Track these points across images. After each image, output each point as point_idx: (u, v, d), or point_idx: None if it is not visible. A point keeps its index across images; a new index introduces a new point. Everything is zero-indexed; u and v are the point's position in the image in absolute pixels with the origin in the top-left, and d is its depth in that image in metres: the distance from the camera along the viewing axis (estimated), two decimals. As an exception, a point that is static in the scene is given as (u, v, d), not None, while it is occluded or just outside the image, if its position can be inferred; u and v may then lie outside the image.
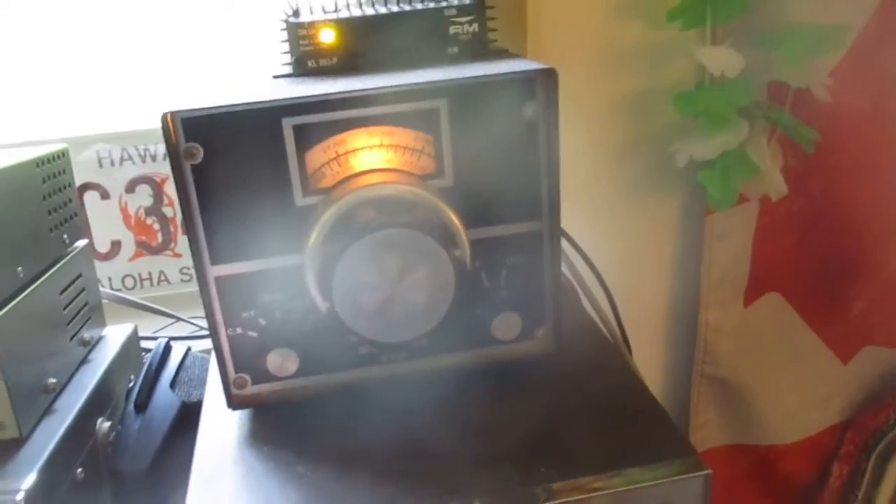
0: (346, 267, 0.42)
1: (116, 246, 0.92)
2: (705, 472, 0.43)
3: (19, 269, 0.52)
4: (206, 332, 0.75)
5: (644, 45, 0.78)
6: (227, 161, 0.44)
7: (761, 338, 0.95)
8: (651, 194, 0.86)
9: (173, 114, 0.43)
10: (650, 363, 0.96)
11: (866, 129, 0.83)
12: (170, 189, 0.92)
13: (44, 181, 0.58)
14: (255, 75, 0.51)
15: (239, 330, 0.47)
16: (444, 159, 0.46)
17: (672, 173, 0.82)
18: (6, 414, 0.48)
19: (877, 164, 0.85)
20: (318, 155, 0.45)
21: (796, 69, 0.77)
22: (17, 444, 0.49)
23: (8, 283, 0.50)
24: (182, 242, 0.94)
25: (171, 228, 0.93)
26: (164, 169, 0.91)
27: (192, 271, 0.94)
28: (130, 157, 0.90)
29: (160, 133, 0.78)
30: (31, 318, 0.52)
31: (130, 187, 0.91)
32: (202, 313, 0.74)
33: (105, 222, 0.91)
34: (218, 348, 0.47)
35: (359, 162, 0.45)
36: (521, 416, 0.47)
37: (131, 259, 0.93)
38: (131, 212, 0.92)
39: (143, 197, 0.92)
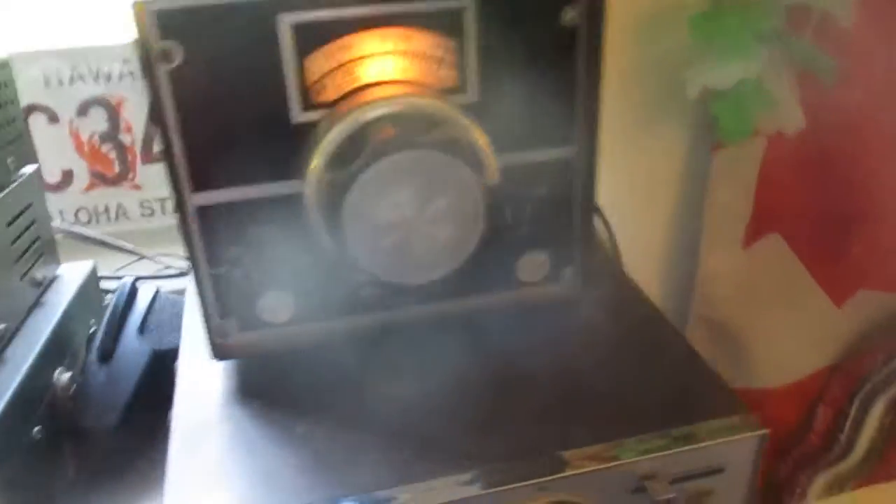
0: (358, 195, 0.35)
1: (68, 176, 0.83)
2: (762, 431, 0.38)
3: (-44, 196, 0.44)
4: (176, 271, 0.68)
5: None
6: (210, 66, 0.36)
7: (759, 280, 0.92)
8: (657, 125, 0.81)
9: (144, 3, 0.35)
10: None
11: (889, 61, 0.78)
12: (128, 113, 0.83)
13: (-18, 95, 0.50)
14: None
15: (224, 269, 0.40)
16: (468, 70, 0.39)
17: (681, 104, 0.76)
18: (-53, 366, 0.41)
19: (891, 104, 0.81)
20: (319, 61, 0.38)
21: (820, -8, 0.71)
22: (-40, 400, 0.42)
23: (-58, 211, 0.42)
24: (143, 173, 0.85)
25: (130, 157, 0.85)
26: (121, 90, 0.82)
27: (155, 205, 0.86)
28: (82, 77, 0.80)
29: (115, 50, 0.69)
30: (-29, 254, 0.45)
31: (83, 110, 0.81)
32: (169, 250, 0.67)
33: (54, 149, 0.81)
34: (200, 290, 0.40)
35: (367, 72, 0.38)
36: (548, 367, 0.42)
37: (85, 190, 0.84)
38: (84, 138, 0.82)
39: (98, 121, 0.82)
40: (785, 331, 0.96)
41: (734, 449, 0.38)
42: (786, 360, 0.99)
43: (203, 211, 0.39)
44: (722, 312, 0.91)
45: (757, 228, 0.89)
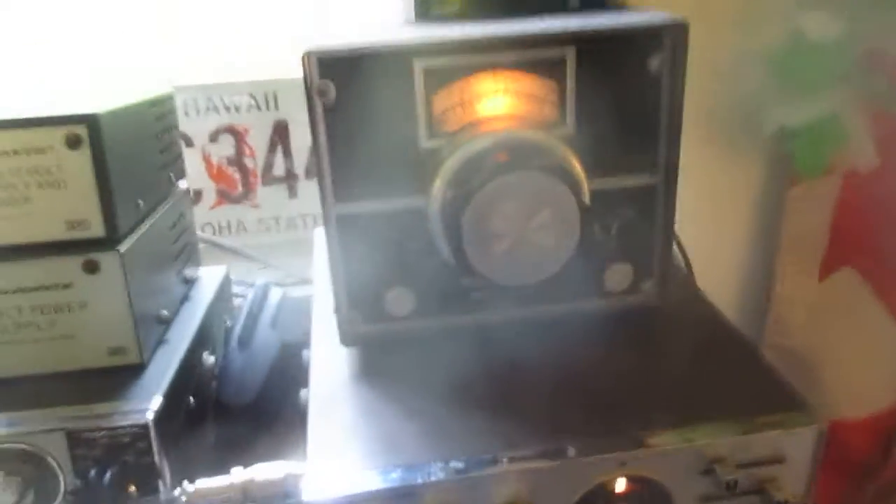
0: (476, 209, 0.42)
1: (198, 194, 0.94)
2: (820, 425, 0.43)
3: (140, 201, 0.54)
4: (295, 280, 0.77)
5: (740, 4, 0.77)
6: (357, 100, 0.45)
7: (833, 311, 0.95)
8: (734, 159, 0.86)
9: (310, 53, 0.43)
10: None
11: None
12: (251, 140, 0.93)
13: (156, 119, 0.60)
14: (379, 20, 0.52)
15: (357, 267, 0.48)
16: (567, 108, 0.46)
17: (758, 139, 0.82)
18: (130, 340, 0.50)
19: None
20: (444, 98, 0.45)
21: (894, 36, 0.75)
22: (138, 369, 0.51)
23: (132, 214, 0.52)
24: (261, 194, 0.95)
25: (251, 179, 0.95)
26: (246, 120, 0.93)
27: (270, 222, 0.96)
28: (215, 108, 0.92)
29: (243, 85, 0.81)
30: (148, 251, 0.54)
31: (214, 137, 0.92)
32: (284, 262, 0.76)
33: (189, 170, 0.92)
34: (335, 284, 0.48)
35: (483, 107, 0.46)
36: (630, 364, 0.48)
37: (212, 207, 0.95)
38: (214, 161, 0.93)
39: (226, 147, 0.93)
40: (859, 363, 0.98)
41: (794, 440, 0.43)
42: (860, 391, 1.00)
43: (342, 219, 0.47)
44: (795, 340, 0.94)
45: (832, 261, 0.92)
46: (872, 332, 0.97)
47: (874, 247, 0.92)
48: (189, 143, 0.92)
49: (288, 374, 0.60)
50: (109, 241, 0.48)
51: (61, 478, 0.46)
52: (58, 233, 0.48)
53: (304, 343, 0.57)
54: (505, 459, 0.41)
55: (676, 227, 0.69)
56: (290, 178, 0.96)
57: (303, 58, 0.43)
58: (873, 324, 0.97)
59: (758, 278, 0.94)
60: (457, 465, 0.40)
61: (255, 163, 0.94)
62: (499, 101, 0.46)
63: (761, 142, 0.83)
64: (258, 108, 0.93)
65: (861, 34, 0.76)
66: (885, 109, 0.78)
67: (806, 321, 0.94)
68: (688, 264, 0.71)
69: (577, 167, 0.45)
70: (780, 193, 0.88)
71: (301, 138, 0.94)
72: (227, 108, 0.92)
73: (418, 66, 0.44)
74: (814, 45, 0.74)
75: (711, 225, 0.88)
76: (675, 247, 0.71)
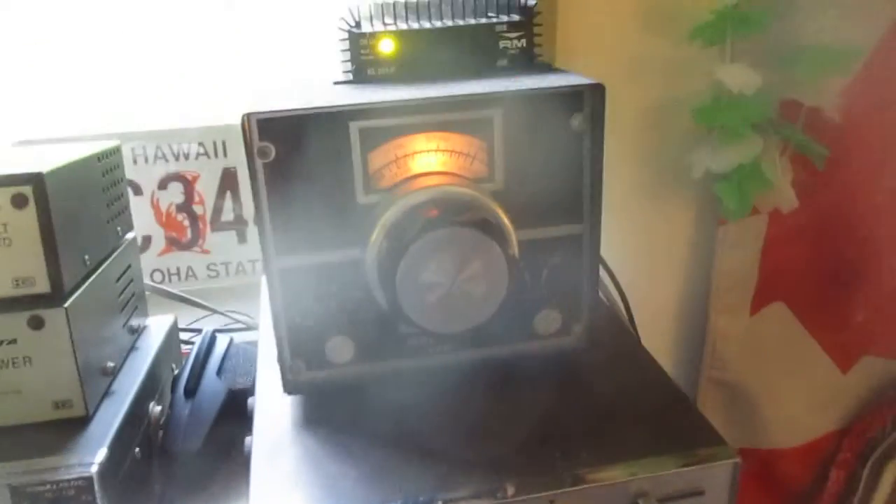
0: (409, 262, 0.45)
1: (147, 241, 0.95)
2: (734, 460, 0.46)
3: (86, 256, 0.55)
4: (242, 325, 0.78)
5: (667, 60, 0.82)
6: (296, 159, 0.47)
7: (766, 345, 0.99)
8: (666, 201, 0.90)
9: (250, 115, 0.46)
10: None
11: (874, 147, 0.87)
12: (200, 187, 0.95)
13: (103, 175, 0.61)
14: (315, 79, 0.55)
15: (298, 318, 0.50)
16: (496, 164, 0.49)
17: (687, 182, 0.86)
18: (75, 393, 0.51)
19: (882, 181, 0.89)
20: (379, 157, 0.48)
21: (809, 88, 0.81)
22: (83, 421, 0.52)
23: (78, 269, 0.53)
24: (210, 240, 0.97)
25: (200, 226, 0.96)
26: (195, 167, 0.94)
27: (220, 268, 0.97)
28: (164, 156, 0.93)
29: (192, 132, 0.83)
30: (94, 304, 0.55)
31: (163, 184, 0.94)
32: (233, 307, 0.77)
33: (137, 217, 0.93)
34: (278, 334, 0.50)
35: (417, 164, 0.49)
36: (560, 404, 0.51)
37: (160, 254, 0.96)
38: (163, 208, 0.94)
39: (175, 194, 0.94)
40: (793, 394, 1.03)
41: (712, 474, 0.46)
42: (795, 422, 1.05)
43: (284, 272, 0.49)
44: (731, 374, 0.98)
45: (762, 296, 0.97)
46: (804, 364, 1.02)
47: (800, 282, 0.97)
48: (138, 191, 0.93)
49: (234, 422, 0.61)
50: (55, 298, 0.50)
51: (5, 532, 0.47)
52: (4, 290, 0.49)
53: (251, 390, 0.58)
54: (440, 501, 0.43)
55: (613, 266, 0.73)
56: (239, 223, 0.97)
57: (243, 119, 0.46)
58: (804, 355, 1.01)
59: (694, 314, 0.98)
60: (394, 506, 0.42)
61: (204, 209, 0.96)
62: (431, 159, 0.49)
63: (692, 184, 0.87)
64: (207, 155, 0.95)
65: (778, 86, 0.81)
66: (801, 154, 0.84)
67: (740, 354, 0.98)
68: (625, 303, 0.74)
69: (506, 220, 0.48)
70: (712, 232, 0.92)
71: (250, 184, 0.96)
72: (176, 156, 0.94)
73: (354, 127, 0.47)
74: (734, 96, 0.79)
75: (648, 265, 0.92)
76: (613, 288, 0.75)
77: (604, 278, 0.70)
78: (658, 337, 0.97)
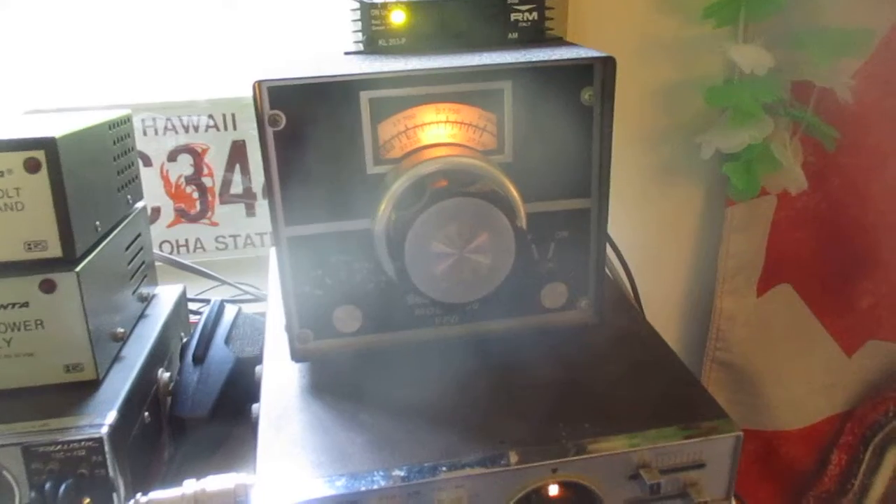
0: (418, 231, 0.45)
1: (156, 212, 0.96)
2: (736, 433, 0.46)
3: (97, 223, 0.55)
4: (250, 297, 0.79)
5: (678, 40, 0.82)
6: (306, 129, 0.47)
7: (771, 327, 0.99)
8: (675, 182, 0.90)
9: (261, 82, 0.46)
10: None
11: (884, 131, 0.86)
12: (210, 159, 0.95)
13: (114, 143, 0.62)
14: (326, 50, 0.55)
15: (307, 287, 0.51)
16: (505, 137, 0.49)
17: (696, 163, 0.86)
18: (86, 357, 0.52)
19: (892, 165, 0.89)
20: (389, 127, 0.48)
21: (821, 69, 0.80)
22: (94, 385, 0.53)
23: (89, 235, 0.54)
24: (219, 212, 0.97)
25: (209, 198, 0.97)
26: (205, 140, 0.95)
27: (228, 240, 0.98)
28: (174, 127, 0.93)
29: (202, 105, 0.83)
30: (104, 271, 0.56)
31: (172, 156, 0.94)
32: (241, 279, 0.78)
33: (147, 189, 0.94)
34: (286, 303, 0.51)
35: (426, 135, 0.49)
36: (565, 377, 0.51)
37: (169, 225, 0.97)
38: (172, 180, 0.95)
39: (184, 166, 0.95)
40: (797, 376, 1.03)
41: (713, 447, 0.46)
42: (799, 404, 1.05)
43: (293, 241, 0.50)
44: (736, 355, 0.99)
45: (769, 278, 0.97)
46: (809, 346, 1.02)
47: (807, 264, 0.97)
48: (147, 163, 0.94)
49: (242, 390, 0.61)
50: (66, 262, 0.50)
51: (17, 491, 0.47)
52: (16, 253, 0.49)
53: (258, 359, 0.59)
54: (444, 467, 0.43)
55: (621, 246, 0.73)
56: (247, 196, 0.98)
57: (254, 87, 0.46)
58: (809, 337, 1.02)
59: (700, 295, 0.98)
60: (399, 472, 0.43)
61: (213, 182, 0.96)
62: (441, 130, 0.49)
63: (701, 165, 0.87)
64: (216, 128, 0.95)
65: (790, 67, 0.80)
66: (811, 137, 0.83)
67: (745, 336, 0.98)
68: (631, 280, 0.75)
69: (514, 192, 0.48)
70: (720, 213, 0.92)
71: (259, 158, 0.96)
72: (186, 128, 0.94)
73: (364, 97, 0.47)
74: (746, 76, 0.79)
75: (655, 244, 0.92)
76: (619, 266, 0.75)
77: (610, 255, 0.71)
78: (663, 316, 0.97)
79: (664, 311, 0.98)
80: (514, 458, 0.44)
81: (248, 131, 0.95)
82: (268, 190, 0.48)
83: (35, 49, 0.89)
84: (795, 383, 1.03)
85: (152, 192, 0.94)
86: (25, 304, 0.50)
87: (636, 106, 0.85)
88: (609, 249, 0.70)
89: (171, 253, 0.96)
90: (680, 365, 0.53)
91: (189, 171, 0.95)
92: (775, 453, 1.07)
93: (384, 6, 0.52)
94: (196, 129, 0.94)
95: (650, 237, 0.89)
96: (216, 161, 0.96)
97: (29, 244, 0.49)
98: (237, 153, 0.96)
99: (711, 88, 0.81)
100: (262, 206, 0.98)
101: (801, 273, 0.98)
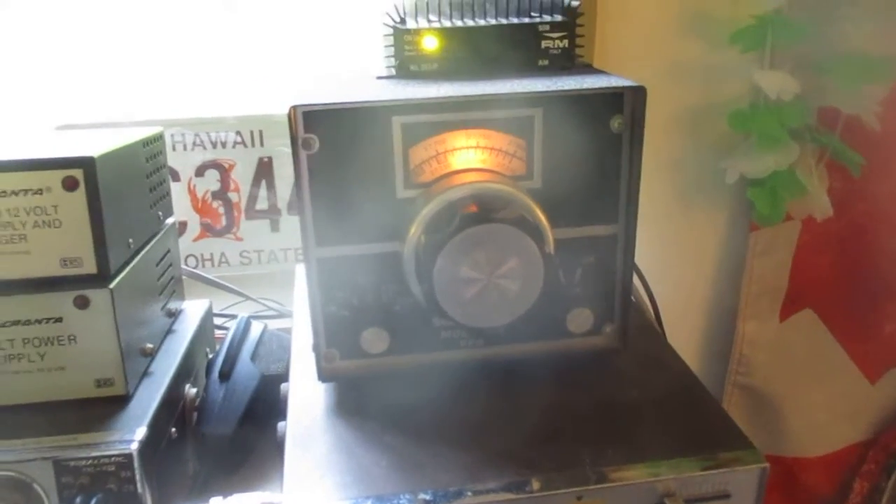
0: (446, 256, 0.45)
1: (182, 226, 0.97)
2: (763, 465, 0.46)
3: (130, 240, 0.56)
4: (275, 313, 0.80)
5: (704, 65, 0.82)
6: (339, 152, 0.48)
7: (794, 352, 0.99)
8: (699, 206, 0.90)
9: (296, 107, 0.47)
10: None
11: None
12: (236, 175, 0.96)
13: (147, 160, 0.63)
14: (359, 74, 0.55)
15: (334, 308, 0.51)
16: (534, 163, 0.50)
17: (720, 187, 0.86)
18: (117, 372, 0.53)
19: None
20: (420, 152, 0.49)
21: (848, 96, 0.80)
22: (123, 400, 0.53)
23: (122, 251, 0.55)
24: (244, 227, 0.98)
25: (235, 213, 0.98)
26: (232, 155, 0.96)
27: (252, 255, 0.99)
28: (202, 143, 0.95)
29: (230, 121, 0.85)
30: (136, 287, 0.57)
31: (200, 171, 0.95)
32: (265, 295, 0.78)
33: (174, 203, 0.95)
34: (314, 323, 0.51)
35: (456, 160, 0.49)
36: (590, 403, 0.51)
37: (195, 240, 0.98)
38: (199, 195, 0.96)
39: (211, 181, 0.96)
40: (819, 403, 1.02)
41: (739, 478, 0.46)
42: (820, 431, 1.04)
43: (322, 262, 0.50)
44: (758, 380, 0.98)
45: (792, 303, 0.96)
46: (832, 373, 1.01)
47: (830, 290, 0.96)
48: (175, 178, 0.95)
49: (267, 407, 0.62)
50: (100, 278, 0.51)
51: (47, 504, 0.48)
52: (52, 269, 0.50)
53: (283, 376, 0.60)
54: (469, 492, 0.43)
55: (644, 270, 0.73)
56: (272, 212, 0.99)
57: (289, 112, 0.47)
58: (832, 364, 1.01)
59: (723, 319, 0.98)
60: (424, 496, 0.43)
61: (239, 197, 0.97)
62: (471, 156, 0.49)
63: (725, 189, 0.87)
64: (244, 144, 0.96)
65: (816, 93, 0.80)
66: (836, 162, 0.83)
67: (767, 361, 0.97)
68: (654, 306, 0.75)
69: (543, 218, 0.48)
70: (743, 237, 0.92)
71: (285, 174, 0.97)
72: (214, 144, 0.95)
73: (397, 122, 0.48)
74: (772, 102, 0.79)
75: (678, 268, 0.92)
76: (642, 290, 0.75)
77: (634, 280, 0.71)
78: (685, 340, 0.97)
79: (686, 335, 0.98)
80: (537, 484, 0.44)
81: (275, 148, 0.96)
82: (300, 211, 0.49)
83: (65, 63, 0.91)
84: (817, 410, 1.02)
85: (179, 206, 0.95)
86: (59, 320, 0.51)
87: (661, 130, 0.85)
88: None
89: (196, 267, 0.97)
90: (705, 393, 0.53)
91: (216, 186, 0.96)
92: (796, 480, 1.06)
93: (417, 31, 0.53)
94: (224, 145, 0.95)
95: (674, 261, 0.89)
96: (243, 177, 0.97)
97: (65, 260, 0.50)
98: (263, 169, 0.97)
99: (735, 113, 0.82)
100: (286, 221, 0.99)
101: (825, 299, 0.97)
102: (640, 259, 0.71)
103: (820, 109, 0.83)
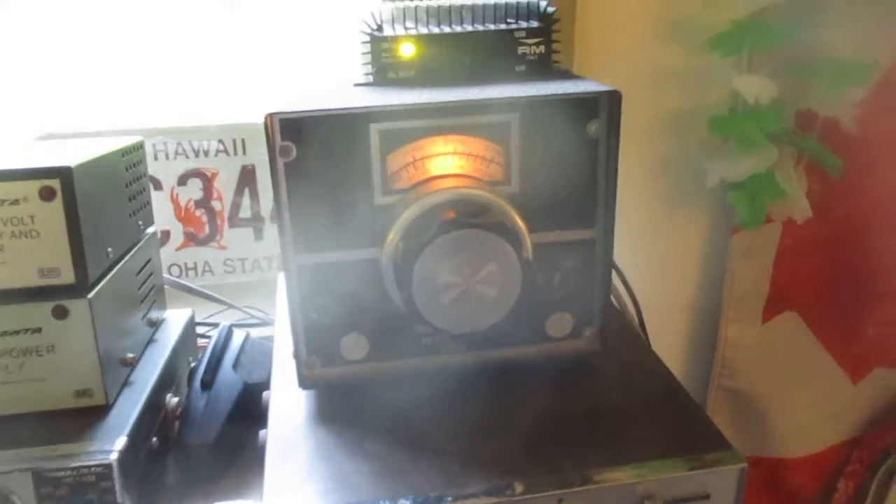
0: (425, 262, 0.46)
1: (165, 235, 0.96)
2: (742, 465, 0.47)
3: (109, 249, 0.56)
4: (258, 321, 0.79)
5: (682, 70, 0.83)
6: (316, 160, 0.48)
7: (777, 354, 0.99)
8: (680, 209, 0.91)
9: (273, 115, 0.47)
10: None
11: (888, 159, 0.87)
12: (219, 184, 0.96)
13: (126, 169, 0.63)
14: (337, 82, 0.56)
15: (315, 315, 0.51)
16: (512, 168, 0.50)
17: (701, 191, 0.86)
18: (96, 382, 0.52)
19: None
20: (398, 158, 0.49)
21: (826, 98, 0.81)
22: (103, 410, 0.53)
23: (101, 261, 0.54)
24: (228, 235, 0.98)
25: (218, 222, 0.98)
26: (214, 164, 0.96)
27: (236, 263, 0.99)
28: (184, 152, 0.94)
29: (212, 130, 0.85)
30: (115, 296, 0.57)
31: (182, 180, 0.95)
32: (249, 302, 0.78)
33: (157, 212, 0.94)
34: (294, 331, 0.51)
35: (434, 166, 0.50)
36: (570, 407, 0.52)
37: (178, 248, 0.97)
38: (182, 204, 0.96)
39: (194, 190, 0.96)
40: (803, 404, 1.03)
41: (718, 478, 0.46)
42: (804, 432, 1.05)
43: (302, 269, 0.50)
44: (741, 382, 0.99)
45: (774, 305, 0.97)
46: (815, 374, 1.02)
47: (813, 292, 0.97)
48: (158, 187, 0.95)
49: (249, 415, 0.62)
50: (79, 288, 0.51)
51: (26, 516, 0.48)
52: (30, 280, 0.50)
53: (266, 384, 0.59)
54: (449, 497, 0.43)
55: (627, 273, 0.73)
56: (256, 220, 0.99)
57: (265, 119, 0.47)
58: (816, 365, 1.02)
59: (705, 322, 0.98)
60: (404, 502, 0.43)
61: (222, 205, 0.97)
62: (449, 162, 0.50)
63: (707, 193, 0.88)
64: (226, 152, 0.96)
65: (794, 96, 0.81)
66: (816, 164, 0.84)
67: (750, 363, 0.98)
68: (637, 309, 0.75)
69: (521, 223, 0.48)
70: (725, 240, 0.93)
71: (268, 182, 0.96)
72: (196, 153, 0.95)
73: (374, 129, 0.48)
74: (750, 105, 0.80)
75: (661, 271, 0.92)
76: (625, 293, 0.75)
77: (616, 283, 0.71)
78: (669, 343, 0.98)
79: (670, 338, 0.98)
80: (519, 488, 0.44)
81: (258, 156, 0.96)
82: (278, 219, 0.49)
83: (46, 72, 0.91)
84: (801, 411, 1.03)
85: (162, 215, 0.95)
86: (38, 330, 0.51)
87: (643, 134, 0.86)
88: (615, 277, 0.71)
89: (179, 276, 0.97)
90: (685, 395, 0.53)
91: (199, 195, 0.96)
92: (781, 481, 1.06)
93: (394, 39, 0.53)
94: (206, 153, 0.95)
95: (656, 264, 0.89)
96: (226, 185, 0.97)
97: (43, 270, 0.50)
98: (246, 178, 0.97)
99: (714, 118, 0.82)
100: (270, 229, 0.99)
101: (807, 300, 0.98)
102: (622, 262, 0.72)
103: (798, 112, 0.84)
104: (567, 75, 0.56)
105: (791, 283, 0.96)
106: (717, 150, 0.84)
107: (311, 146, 0.48)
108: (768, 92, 0.78)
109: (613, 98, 0.49)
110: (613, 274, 0.70)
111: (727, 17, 0.78)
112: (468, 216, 0.46)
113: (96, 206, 0.54)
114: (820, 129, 0.83)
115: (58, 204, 0.49)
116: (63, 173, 0.49)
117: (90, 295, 0.51)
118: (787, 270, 0.95)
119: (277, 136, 0.47)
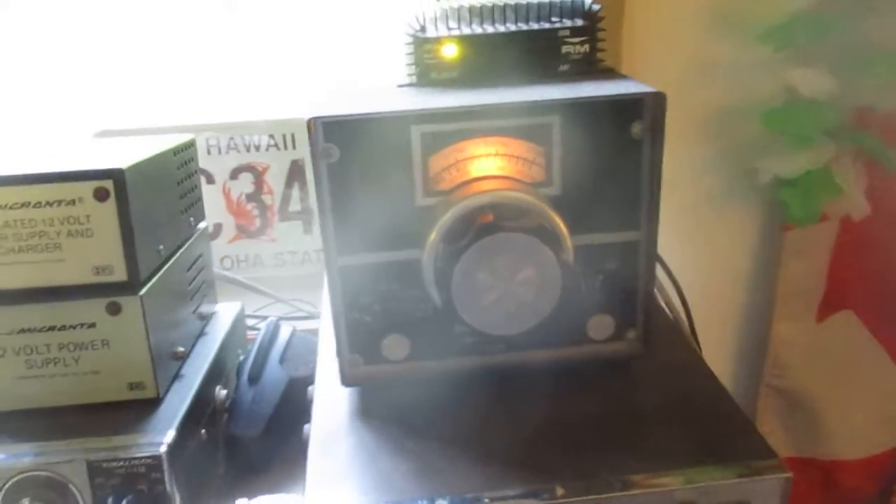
0: (465, 264, 0.46)
1: (217, 228, 0.99)
2: (786, 475, 0.46)
3: (161, 247, 0.58)
4: (304, 314, 0.81)
5: (734, 64, 0.81)
6: (358, 162, 0.49)
7: (831, 354, 0.97)
8: (731, 207, 0.89)
9: (315, 118, 0.48)
10: (717, 370, 0.98)
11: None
12: (270, 178, 0.98)
13: (178, 168, 0.64)
14: (380, 83, 0.56)
15: (357, 314, 0.52)
16: (553, 170, 0.50)
17: (752, 188, 0.84)
18: (148, 375, 0.54)
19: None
20: (439, 160, 0.49)
21: (885, 93, 0.78)
22: (154, 403, 0.55)
23: (153, 259, 0.56)
24: (278, 229, 1.00)
25: (269, 215, 1.00)
26: (265, 159, 0.97)
27: (286, 256, 1.01)
28: (236, 147, 0.96)
29: (263, 125, 0.86)
30: (167, 292, 0.58)
31: (234, 174, 0.97)
32: (297, 296, 0.80)
33: (209, 206, 0.97)
34: (337, 330, 0.52)
35: (475, 168, 0.50)
36: (611, 410, 0.51)
37: (230, 241, 1.00)
38: (233, 197, 0.98)
39: (246, 184, 0.98)
40: (858, 405, 1.00)
41: (761, 488, 0.45)
42: (859, 433, 1.02)
43: (344, 270, 0.51)
44: (793, 382, 0.96)
45: (830, 304, 0.94)
46: (871, 374, 0.99)
47: (871, 291, 0.94)
48: (210, 180, 0.97)
49: (294, 409, 0.63)
50: (131, 286, 0.53)
51: (81, 504, 0.50)
52: (85, 277, 0.52)
53: (311, 378, 0.61)
54: (487, 499, 0.44)
55: (676, 273, 0.72)
56: (305, 213, 1.00)
57: (308, 122, 0.47)
58: (872, 366, 0.99)
59: (757, 321, 0.96)
60: (442, 502, 0.43)
61: (272, 199, 0.99)
62: (490, 163, 0.50)
63: (758, 189, 0.86)
64: (277, 147, 0.98)
65: (851, 91, 0.79)
66: (874, 161, 0.81)
67: (803, 362, 0.96)
68: (686, 310, 0.74)
69: (562, 226, 0.48)
70: (778, 238, 0.90)
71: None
72: (248, 147, 0.97)
73: (416, 131, 0.48)
74: (806, 100, 0.78)
75: (710, 269, 0.91)
76: (674, 293, 0.74)
77: (665, 285, 0.70)
78: (719, 342, 0.96)
79: (719, 337, 0.96)
80: (558, 491, 0.44)
81: (308, 150, 0.97)
82: (320, 220, 0.50)
83: (107, 69, 0.93)
84: (856, 412, 1.00)
85: (215, 208, 0.98)
86: (93, 325, 0.53)
87: (691, 131, 0.84)
88: (664, 275, 0.70)
89: (230, 268, 0.99)
90: (729, 400, 0.52)
91: (250, 188, 0.98)
92: (834, 484, 1.04)
93: (437, 40, 0.54)
94: (257, 148, 0.97)
95: (704, 261, 0.88)
96: (276, 179, 0.99)
97: (97, 268, 0.52)
98: (296, 172, 0.99)
99: (769, 112, 0.80)
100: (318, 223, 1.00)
101: (865, 299, 0.95)
102: (671, 263, 0.71)
103: (857, 107, 0.81)
104: (612, 75, 0.55)
105: (848, 283, 0.93)
106: (770, 147, 0.81)
107: (353, 148, 0.48)
108: (825, 86, 0.76)
109: (657, 99, 0.48)
110: (662, 274, 0.70)
111: (780, 10, 0.75)
112: (508, 219, 0.46)
113: (148, 205, 0.55)
114: (879, 125, 0.80)
115: (111, 204, 0.51)
116: (115, 175, 0.51)
117: (142, 292, 0.53)
118: (844, 269, 0.92)
119: (320, 139, 0.48)
